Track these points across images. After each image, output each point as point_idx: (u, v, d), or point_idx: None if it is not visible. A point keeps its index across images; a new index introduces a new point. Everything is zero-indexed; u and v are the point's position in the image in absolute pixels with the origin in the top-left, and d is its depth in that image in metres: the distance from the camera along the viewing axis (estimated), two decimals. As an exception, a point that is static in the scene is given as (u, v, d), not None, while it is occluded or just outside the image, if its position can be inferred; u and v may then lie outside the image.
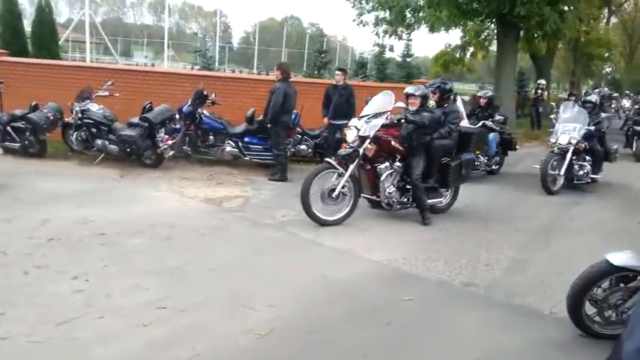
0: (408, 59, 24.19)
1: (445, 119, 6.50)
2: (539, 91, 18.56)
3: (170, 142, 8.30)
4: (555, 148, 8.48)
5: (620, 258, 3.33)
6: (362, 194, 6.16)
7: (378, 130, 5.97)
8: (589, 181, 8.73)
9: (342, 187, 5.83)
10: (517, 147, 10.34)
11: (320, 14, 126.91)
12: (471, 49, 25.93)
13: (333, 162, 5.89)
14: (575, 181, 8.65)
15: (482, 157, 9.29)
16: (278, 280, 4.28)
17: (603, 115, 9.57)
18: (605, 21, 32.33)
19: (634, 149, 13.18)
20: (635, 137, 13.26)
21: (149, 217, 5.71)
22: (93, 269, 4.23)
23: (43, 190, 6.57)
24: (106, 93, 8.64)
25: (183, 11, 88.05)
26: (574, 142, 8.39)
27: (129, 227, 5.32)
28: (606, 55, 34.82)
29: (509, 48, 17.22)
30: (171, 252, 4.77)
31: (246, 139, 8.89)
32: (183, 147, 8.82)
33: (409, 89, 6.46)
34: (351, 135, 6.04)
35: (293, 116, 9.01)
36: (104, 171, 7.91)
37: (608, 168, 9.40)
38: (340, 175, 5.85)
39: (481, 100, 10.11)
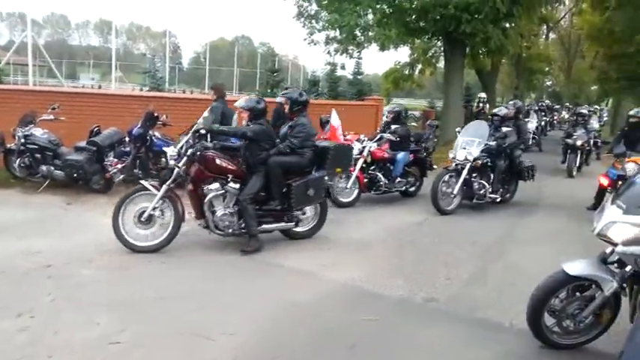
0: (359, 77, 24.50)
1: (290, 133, 5.91)
2: (481, 105, 19.05)
3: (120, 165, 8.03)
4: (453, 165, 7.96)
5: (576, 267, 3.39)
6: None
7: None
8: (488, 200, 8.19)
9: (154, 210, 5.33)
10: (434, 167, 9.65)
11: (270, 34, 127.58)
12: (420, 65, 26.63)
13: (146, 184, 5.45)
14: (475, 200, 8.12)
15: (383, 178, 8.32)
16: (238, 306, 4.14)
17: (505, 129, 8.62)
18: (544, 37, 33.94)
19: (566, 164, 12.58)
20: (568, 151, 12.62)
21: (98, 245, 5.44)
22: (39, 304, 3.97)
23: (-17, 221, 6.19)
24: (51, 117, 8.29)
25: (130, 32, 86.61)
26: (471, 158, 7.81)
27: (77, 257, 5.06)
28: (546, 69, 36.51)
29: (455, 64, 17.76)
30: (123, 282, 4.56)
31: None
32: (134, 170, 8.53)
33: (238, 102, 5.91)
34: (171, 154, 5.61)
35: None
36: (50, 198, 7.54)
37: (530, 186, 9.14)
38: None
39: (387, 114, 9.21)
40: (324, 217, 6.21)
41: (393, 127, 8.78)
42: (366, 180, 8.24)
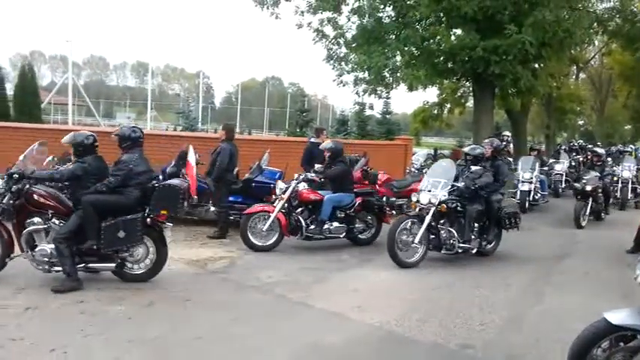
0: (388, 116, 24.66)
1: (111, 171, 5.61)
2: (504, 144, 18.54)
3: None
4: (416, 209, 6.97)
5: (619, 317, 3.26)
6: None
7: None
8: (459, 251, 7.06)
9: None
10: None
11: (300, 74, 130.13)
12: (448, 105, 26.68)
13: None
14: (444, 251, 7.01)
15: (304, 222, 7.50)
16: (268, 349, 4.09)
17: (474, 168, 7.52)
18: (574, 77, 33.67)
19: (573, 212, 10.84)
20: (578, 197, 10.82)
21: (130, 282, 5.50)
22: (72, 340, 4.01)
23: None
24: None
25: (165, 73, 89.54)
26: (435, 201, 6.78)
27: (109, 294, 5.12)
28: (577, 108, 36.08)
29: (485, 104, 17.67)
30: (154, 320, 4.57)
31: (230, 199, 8.80)
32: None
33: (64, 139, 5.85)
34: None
35: (277, 175, 9.04)
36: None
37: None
38: None
39: (325, 151, 8.07)
40: (163, 259, 5.64)
41: (334, 167, 7.91)
42: (288, 223, 7.41)
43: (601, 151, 13.08)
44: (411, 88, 18.63)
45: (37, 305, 4.70)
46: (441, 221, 6.98)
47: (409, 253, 6.77)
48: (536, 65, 16.79)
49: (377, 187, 10.67)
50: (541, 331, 4.70)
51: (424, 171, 8.94)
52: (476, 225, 7.29)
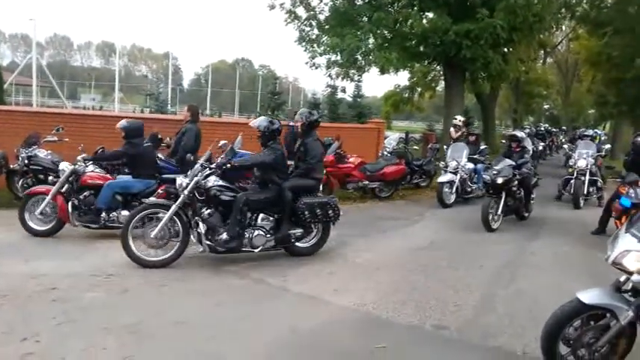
0: (359, 99, 24.67)
1: None
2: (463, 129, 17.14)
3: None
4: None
5: (590, 296, 3.36)
6: None
7: None
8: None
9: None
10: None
11: (271, 56, 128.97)
12: (419, 89, 26.86)
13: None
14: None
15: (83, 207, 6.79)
16: (245, 334, 4.08)
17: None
18: (542, 61, 34.28)
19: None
20: (489, 191, 8.73)
21: (104, 268, 5.41)
22: (45, 328, 3.92)
23: (-14, 242, 6.15)
24: (55, 138, 8.31)
25: (132, 54, 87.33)
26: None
27: (83, 280, 5.02)
28: (544, 93, 36.81)
29: (456, 88, 17.86)
30: (130, 306, 4.50)
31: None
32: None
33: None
34: None
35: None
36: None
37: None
38: None
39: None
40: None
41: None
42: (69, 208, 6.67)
43: (521, 134, 10.41)
44: (382, 71, 18.68)
45: (7, 293, 4.57)
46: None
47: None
48: (506, 50, 17.00)
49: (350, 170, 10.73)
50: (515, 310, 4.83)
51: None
52: None
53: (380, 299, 4.92)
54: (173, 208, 5.64)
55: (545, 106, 46.72)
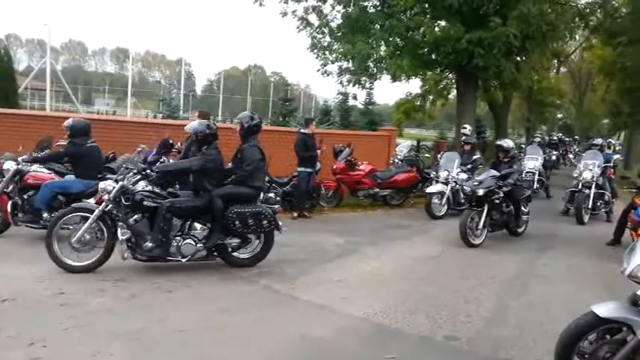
0: (370, 107, 24.68)
1: None
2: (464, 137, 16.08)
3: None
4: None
5: (606, 309, 3.27)
6: None
7: None
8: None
9: None
10: None
11: (283, 63, 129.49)
12: (431, 97, 26.75)
13: None
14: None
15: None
16: (252, 341, 4.03)
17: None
18: (555, 71, 34.03)
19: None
20: (471, 204, 8.08)
21: (112, 272, 5.39)
22: (52, 333, 3.90)
23: (-4, 245, 6.18)
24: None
25: (146, 60, 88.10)
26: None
27: (90, 286, 5.00)
28: (558, 102, 36.52)
29: (468, 97, 17.76)
30: (136, 312, 4.48)
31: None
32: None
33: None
34: None
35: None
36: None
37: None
38: None
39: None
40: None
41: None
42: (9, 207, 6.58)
43: (507, 144, 9.20)
44: (394, 79, 18.62)
45: (15, 297, 4.56)
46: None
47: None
48: (519, 58, 16.89)
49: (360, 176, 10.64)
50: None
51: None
52: None
53: (389, 308, 4.85)
54: (96, 212, 5.44)
55: (559, 116, 46.38)
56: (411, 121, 37.23)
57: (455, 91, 22.11)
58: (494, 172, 8.28)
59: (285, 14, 17.33)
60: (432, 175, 11.21)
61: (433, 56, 16.56)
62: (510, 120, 34.31)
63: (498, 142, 9.71)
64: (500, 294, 5.60)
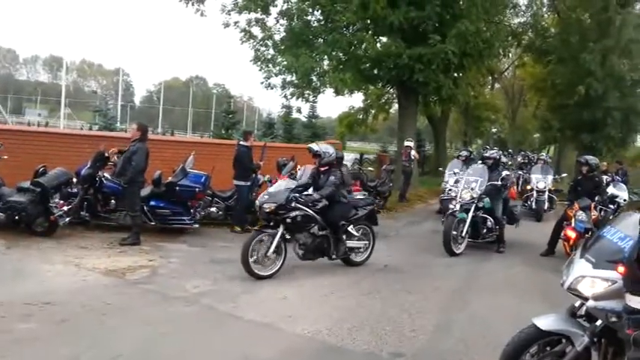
0: (314, 120, 24.78)
1: None
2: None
3: (66, 207, 7.60)
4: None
5: (547, 322, 3.33)
6: None
7: None
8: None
9: None
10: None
11: (225, 75, 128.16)
12: (373, 111, 27.20)
13: None
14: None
15: None
16: (194, 364, 3.84)
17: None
18: (490, 87, 35.50)
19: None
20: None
21: (40, 295, 5.01)
22: (-32, 366, 3.56)
23: None
24: None
25: (81, 69, 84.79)
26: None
27: (15, 309, 4.62)
28: (492, 117, 38.02)
29: (409, 110, 18.19)
30: (67, 338, 4.17)
31: (152, 203, 8.38)
32: (81, 213, 8.10)
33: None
34: None
35: (203, 178, 8.74)
36: (-14, 242, 6.99)
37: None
38: None
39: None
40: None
41: None
42: None
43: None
44: (337, 92, 18.82)
45: None
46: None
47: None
48: (457, 74, 17.49)
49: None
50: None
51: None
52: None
53: (334, 325, 4.77)
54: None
55: (493, 130, 48.26)
56: (354, 135, 37.69)
57: (396, 105, 22.60)
58: (291, 184, 6.91)
59: (227, 25, 17.18)
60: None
61: (375, 71, 16.87)
62: (448, 134, 35.38)
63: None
64: (443, 306, 5.64)
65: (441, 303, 5.77)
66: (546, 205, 13.16)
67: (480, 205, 8.64)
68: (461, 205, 8.51)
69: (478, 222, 8.65)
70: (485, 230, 8.86)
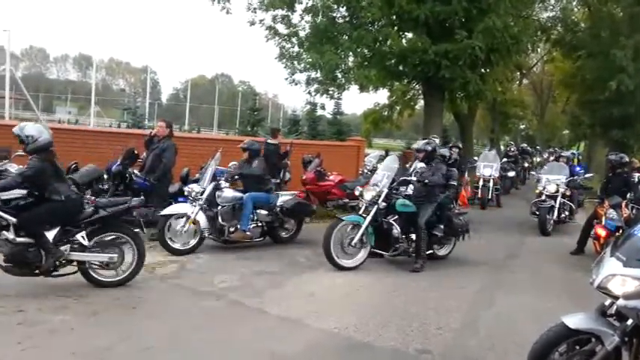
0: (339, 117, 24.79)
1: None
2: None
3: (97, 203, 7.77)
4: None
5: (576, 321, 3.30)
6: None
7: None
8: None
9: None
10: None
11: (250, 72, 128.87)
12: (399, 107, 27.04)
13: None
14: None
15: None
16: (222, 359, 3.92)
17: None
18: (517, 83, 34.92)
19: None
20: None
21: (74, 289, 5.18)
22: (9, 354, 3.70)
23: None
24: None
25: (110, 67, 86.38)
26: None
27: (51, 302, 4.79)
28: (520, 113, 37.44)
29: (435, 107, 18.01)
30: (100, 330, 4.30)
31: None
32: (112, 208, 8.27)
33: None
34: None
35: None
36: (21, 237, 7.21)
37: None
38: None
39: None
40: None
41: None
42: None
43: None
44: (362, 89, 18.77)
45: (-31, 315, 4.33)
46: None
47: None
48: (484, 70, 17.25)
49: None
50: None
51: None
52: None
53: (360, 322, 4.80)
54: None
55: (522, 127, 47.52)
56: (379, 131, 37.58)
57: (422, 101, 22.43)
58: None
59: (253, 23, 17.25)
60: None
61: (400, 67, 16.74)
62: (475, 131, 34.98)
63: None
64: (469, 305, 5.62)
65: (466, 300, 5.74)
66: (555, 215, 10.26)
67: (383, 206, 6.87)
68: (365, 207, 6.89)
69: (385, 229, 6.91)
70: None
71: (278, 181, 9.45)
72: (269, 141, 9.73)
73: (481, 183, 13.70)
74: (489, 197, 13.56)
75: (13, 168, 7.82)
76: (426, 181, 6.98)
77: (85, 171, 7.95)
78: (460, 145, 13.07)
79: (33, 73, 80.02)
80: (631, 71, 19.18)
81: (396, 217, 6.97)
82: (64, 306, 4.73)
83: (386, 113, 27.27)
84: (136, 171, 8.49)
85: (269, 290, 5.64)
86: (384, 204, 6.86)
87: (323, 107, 22.09)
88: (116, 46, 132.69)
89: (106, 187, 8.24)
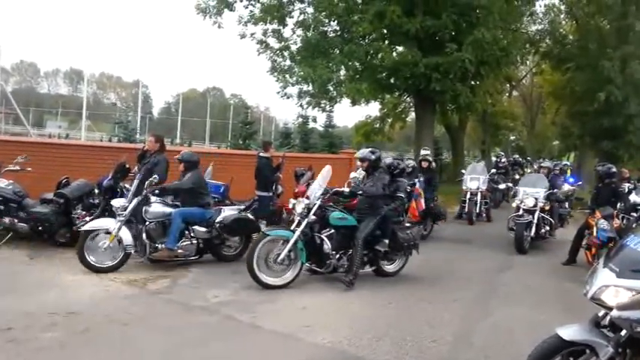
0: (330, 129, 24.87)
1: None
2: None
3: (88, 218, 7.71)
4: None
5: (570, 332, 3.29)
6: None
7: None
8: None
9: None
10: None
11: (242, 85, 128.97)
12: (390, 120, 27.22)
13: None
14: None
15: None
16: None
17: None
18: (507, 95, 35.27)
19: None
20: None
21: (63, 305, 5.11)
22: (-4, 374, 3.64)
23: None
24: (17, 168, 7.99)
25: (100, 81, 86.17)
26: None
27: (40, 319, 4.71)
28: (511, 125, 37.75)
29: (426, 119, 18.18)
30: (91, 347, 4.23)
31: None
32: (103, 223, 8.20)
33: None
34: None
35: (222, 188, 8.82)
36: (11, 253, 7.15)
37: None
38: None
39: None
40: None
41: None
42: None
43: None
44: (354, 102, 18.93)
45: (-43, 334, 4.25)
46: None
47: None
48: (474, 83, 17.45)
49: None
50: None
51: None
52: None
53: (354, 336, 4.76)
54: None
55: (512, 138, 47.85)
56: (371, 144, 37.72)
57: (413, 114, 22.60)
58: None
59: (243, 36, 17.40)
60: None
61: (392, 80, 16.92)
62: (466, 142, 35.20)
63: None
64: (463, 317, 5.60)
65: (460, 312, 5.72)
66: (534, 231, 9.30)
67: (313, 219, 6.36)
68: (298, 221, 6.39)
69: (317, 244, 6.43)
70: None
71: (271, 194, 9.45)
72: (261, 154, 9.74)
73: (468, 196, 12.73)
74: (477, 212, 12.73)
75: (3, 183, 7.77)
76: (359, 192, 6.65)
77: (76, 185, 7.89)
78: (430, 159, 11.83)
79: (24, 87, 79.70)
80: (619, 82, 19.46)
81: (332, 231, 6.48)
82: (53, 323, 4.65)
83: (377, 125, 27.48)
84: (127, 185, 8.44)
85: (262, 305, 5.59)
86: (313, 217, 6.34)
87: (315, 120, 22.21)
88: (107, 60, 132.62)
89: (97, 201, 8.18)
